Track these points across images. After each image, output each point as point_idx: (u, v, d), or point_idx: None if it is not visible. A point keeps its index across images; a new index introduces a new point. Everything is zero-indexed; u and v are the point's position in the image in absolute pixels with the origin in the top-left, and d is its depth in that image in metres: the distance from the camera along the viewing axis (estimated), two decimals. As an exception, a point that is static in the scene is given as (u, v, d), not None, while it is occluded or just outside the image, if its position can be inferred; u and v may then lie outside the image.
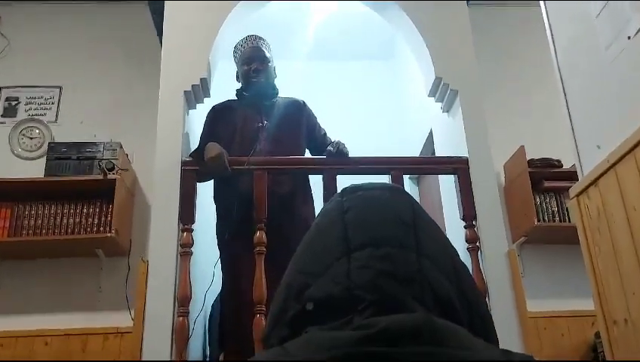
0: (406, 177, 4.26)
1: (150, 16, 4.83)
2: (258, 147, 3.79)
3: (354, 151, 3.83)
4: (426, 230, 0.99)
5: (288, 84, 4.25)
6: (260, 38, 4.06)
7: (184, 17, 4.12)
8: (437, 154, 4.45)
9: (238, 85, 4.10)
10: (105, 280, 4.32)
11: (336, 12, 5.47)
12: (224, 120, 3.92)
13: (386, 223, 0.97)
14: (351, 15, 5.49)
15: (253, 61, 3.97)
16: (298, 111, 3.99)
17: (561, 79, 2.82)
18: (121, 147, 4.42)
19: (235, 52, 4.10)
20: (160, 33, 4.24)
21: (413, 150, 5.23)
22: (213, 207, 3.89)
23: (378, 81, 6.14)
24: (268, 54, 4.01)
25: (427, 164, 3.90)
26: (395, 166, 3.65)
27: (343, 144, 3.74)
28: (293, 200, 3.75)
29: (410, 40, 4.17)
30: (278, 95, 4.02)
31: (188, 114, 4.02)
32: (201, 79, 3.98)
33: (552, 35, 2.91)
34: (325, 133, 4.04)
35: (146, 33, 5.04)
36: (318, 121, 4.09)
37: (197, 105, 4.08)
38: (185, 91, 3.96)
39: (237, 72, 4.09)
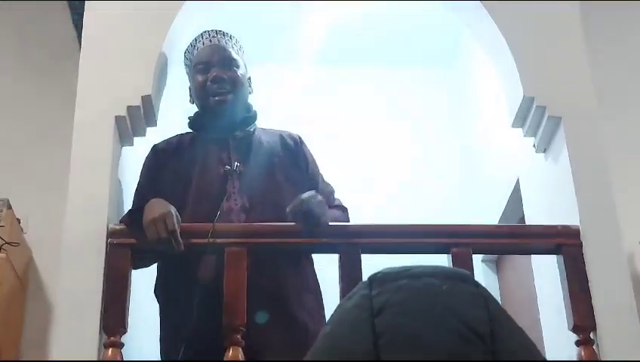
0: (477, 258, 3.01)
1: (69, 15, 3.56)
2: (227, 206, 2.44)
3: (390, 214, 3.02)
4: (508, 345, 0.77)
5: (286, 103, 2.90)
6: (225, 33, 2.68)
7: (116, 7, 2.72)
8: (527, 221, 3.07)
9: (193, 108, 2.71)
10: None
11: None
12: (172, 165, 2.57)
13: (442, 333, 0.75)
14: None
15: (211, 66, 2.59)
16: (290, 152, 2.64)
17: None
18: (9, 207, 3.14)
19: (185, 56, 2.74)
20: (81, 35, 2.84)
21: (489, 214, 3.80)
22: (155, 307, 2.47)
23: (430, 99, 4.63)
24: (237, 56, 2.64)
25: (511, 238, 2.53)
26: (459, 240, 2.37)
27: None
28: (288, 296, 2.37)
29: (485, 41, 2.80)
30: (256, 123, 2.66)
31: (120, 153, 2.66)
32: (142, 98, 2.60)
33: None
34: (331, 191, 2.68)
35: (64, 38, 3.73)
36: (319, 168, 2.72)
37: (135, 138, 2.70)
38: (117, 117, 2.58)
39: (189, 88, 2.72)
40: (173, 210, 2.26)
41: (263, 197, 2.47)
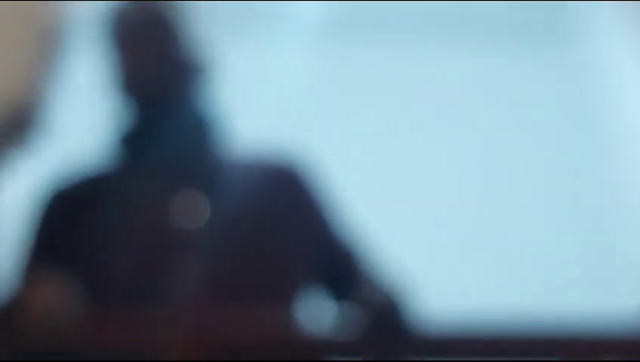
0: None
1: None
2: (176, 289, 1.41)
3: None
4: None
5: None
6: None
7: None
8: None
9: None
10: None
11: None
12: (75, 220, 1.48)
13: None
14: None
15: (138, 40, 1.48)
16: (285, 194, 1.54)
17: None
18: None
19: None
20: None
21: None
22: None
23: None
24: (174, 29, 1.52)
25: None
26: None
27: (390, 294, 1.40)
28: None
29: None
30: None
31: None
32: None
33: None
34: (345, 252, 1.53)
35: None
36: (335, 214, 1.55)
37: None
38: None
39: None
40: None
41: (241, 275, 1.40)
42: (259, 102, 2.78)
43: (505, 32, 3.56)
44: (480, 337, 1.31)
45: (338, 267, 1.49)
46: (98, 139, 1.51)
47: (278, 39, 3.24)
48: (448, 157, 3.32)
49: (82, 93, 1.80)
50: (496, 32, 3.56)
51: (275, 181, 1.51)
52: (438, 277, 2.19)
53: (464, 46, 3.55)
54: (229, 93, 1.59)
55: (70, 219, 1.45)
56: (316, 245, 1.48)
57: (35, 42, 1.56)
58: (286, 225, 1.47)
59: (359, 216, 1.59)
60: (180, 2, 1.54)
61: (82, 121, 1.79)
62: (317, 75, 3.31)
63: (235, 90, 1.68)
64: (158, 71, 1.44)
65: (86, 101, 1.73)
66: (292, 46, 3.27)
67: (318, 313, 1.44)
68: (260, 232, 1.45)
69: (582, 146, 3.38)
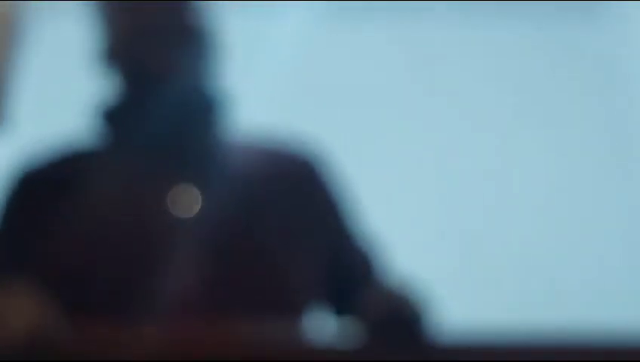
0: None
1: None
2: (174, 287, 1.19)
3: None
4: None
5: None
6: None
7: None
8: None
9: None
10: None
11: None
12: (60, 209, 1.25)
13: None
14: None
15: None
16: (295, 188, 1.36)
17: None
18: None
19: None
20: None
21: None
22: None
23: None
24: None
25: None
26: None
27: (408, 297, 1.18)
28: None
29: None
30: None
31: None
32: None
33: None
34: (361, 251, 1.35)
35: None
36: (350, 211, 1.38)
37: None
38: None
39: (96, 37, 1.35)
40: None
41: (244, 272, 1.23)
42: (265, 87, 2.62)
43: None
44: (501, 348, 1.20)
45: (350, 271, 1.34)
46: (82, 117, 1.35)
47: (288, 21, 3.11)
48: (468, 153, 3.16)
49: (64, 67, 1.64)
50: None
51: (281, 174, 1.35)
52: (459, 286, 1.99)
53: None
54: (235, 72, 1.44)
55: (43, 207, 1.27)
56: (329, 248, 1.33)
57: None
58: (297, 223, 1.31)
59: (371, 218, 1.45)
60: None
61: (64, 98, 1.62)
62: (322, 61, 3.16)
63: (241, 70, 1.53)
64: (153, 37, 1.28)
65: (69, 74, 1.58)
66: (299, 29, 3.12)
67: (326, 324, 1.30)
68: (266, 231, 1.28)
69: (611, 145, 3.23)
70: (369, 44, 3.21)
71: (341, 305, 1.30)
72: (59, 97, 1.78)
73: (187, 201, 1.25)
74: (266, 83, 2.66)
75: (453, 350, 1.19)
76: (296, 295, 1.27)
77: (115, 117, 1.29)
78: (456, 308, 1.40)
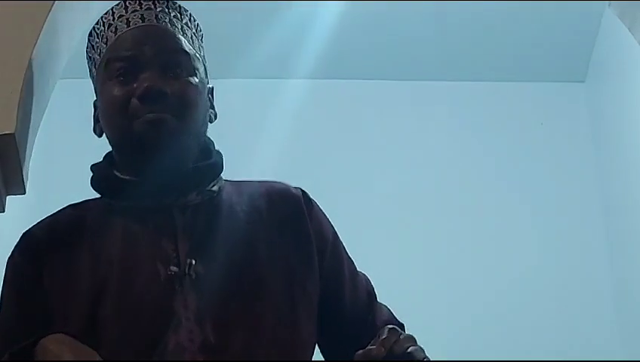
0: None
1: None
2: (175, 341, 1.16)
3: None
4: None
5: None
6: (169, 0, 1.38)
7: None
8: None
9: (99, 153, 1.35)
10: None
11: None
12: (65, 269, 1.26)
13: None
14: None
15: (140, 67, 1.28)
16: (289, 225, 1.33)
17: None
18: None
19: (90, 45, 1.39)
20: None
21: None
22: None
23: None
24: (190, 48, 1.34)
25: None
26: None
27: (415, 344, 1.15)
28: None
29: None
30: (222, 176, 1.35)
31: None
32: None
33: None
34: (369, 289, 1.38)
35: None
36: (344, 247, 1.40)
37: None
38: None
39: (95, 106, 1.37)
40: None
41: (241, 324, 1.20)
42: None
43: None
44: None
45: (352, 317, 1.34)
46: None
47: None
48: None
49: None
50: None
51: (274, 212, 1.32)
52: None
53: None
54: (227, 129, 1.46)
55: (51, 266, 1.25)
56: (315, 278, 1.30)
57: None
58: (289, 260, 1.28)
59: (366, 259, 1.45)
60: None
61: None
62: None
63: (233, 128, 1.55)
64: (166, 100, 1.26)
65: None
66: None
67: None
68: (259, 273, 1.25)
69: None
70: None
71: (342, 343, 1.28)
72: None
73: (178, 252, 1.25)
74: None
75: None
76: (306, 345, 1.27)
77: (113, 179, 1.30)
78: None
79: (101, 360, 1.10)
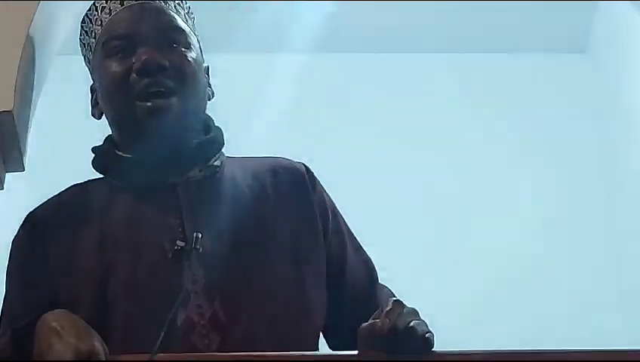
0: None
1: None
2: (185, 318, 1.17)
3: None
4: None
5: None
6: None
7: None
8: None
9: (98, 130, 1.36)
10: None
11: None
12: (70, 248, 1.26)
13: None
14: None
15: (137, 43, 1.29)
16: (292, 199, 1.33)
17: None
18: None
19: (84, 27, 1.38)
20: None
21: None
22: None
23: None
24: (185, 25, 1.34)
25: None
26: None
27: (418, 318, 1.09)
28: None
29: None
30: (224, 151, 1.35)
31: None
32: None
33: None
34: (371, 267, 1.38)
35: None
36: (346, 222, 1.40)
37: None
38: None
39: (92, 89, 1.38)
40: (98, 340, 1.05)
41: (249, 299, 1.21)
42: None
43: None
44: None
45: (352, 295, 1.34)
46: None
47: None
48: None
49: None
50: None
51: (277, 185, 1.33)
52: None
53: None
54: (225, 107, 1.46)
55: (56, 245, 1.26)
56: (319, 250, 1.31)
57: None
58: (293, 233, 1.29)
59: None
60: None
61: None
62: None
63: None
64: (166, 73, 1.26)
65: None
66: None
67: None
68: (265, 245, 1.26)
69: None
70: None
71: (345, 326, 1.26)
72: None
73: (183, 227, 1.25)
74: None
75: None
76: (313, 317, 1.27)
77: (114, 158, 1.30)
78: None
79: (95, 337, 1.09)
